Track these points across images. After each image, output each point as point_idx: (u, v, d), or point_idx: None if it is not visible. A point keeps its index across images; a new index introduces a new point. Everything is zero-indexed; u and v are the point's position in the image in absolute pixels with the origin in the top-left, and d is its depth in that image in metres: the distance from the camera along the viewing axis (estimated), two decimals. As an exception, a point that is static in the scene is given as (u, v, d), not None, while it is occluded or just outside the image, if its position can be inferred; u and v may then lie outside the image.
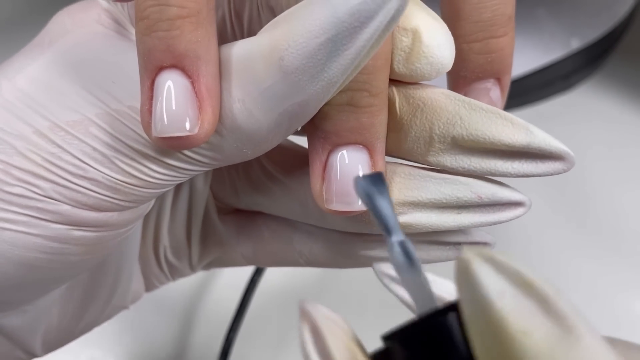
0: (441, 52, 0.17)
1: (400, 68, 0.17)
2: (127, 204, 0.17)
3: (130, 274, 0.22)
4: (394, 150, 0.18)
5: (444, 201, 0.18)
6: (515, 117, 0.17)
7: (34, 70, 0.17)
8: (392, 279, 0.19)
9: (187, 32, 0.14)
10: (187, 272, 0.24)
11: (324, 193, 0.17)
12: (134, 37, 0.17)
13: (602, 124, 0.40)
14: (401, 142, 0.18)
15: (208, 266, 0.24)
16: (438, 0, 0.19)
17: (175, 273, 0.24)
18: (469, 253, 0.11)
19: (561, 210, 0.38)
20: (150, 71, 0.15)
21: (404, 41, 0.17)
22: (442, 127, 0.17)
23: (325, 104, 0.16)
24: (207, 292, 0.36)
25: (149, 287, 0.24)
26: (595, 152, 0.39)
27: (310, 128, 0.17)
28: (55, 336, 0.21)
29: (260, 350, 0.34)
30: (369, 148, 0.17)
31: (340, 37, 0.14)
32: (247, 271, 0.34)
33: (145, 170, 0.16)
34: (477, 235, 0.20)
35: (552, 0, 0.40)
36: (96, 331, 0.35)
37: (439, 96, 0.17)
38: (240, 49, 0.15)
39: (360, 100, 0.16)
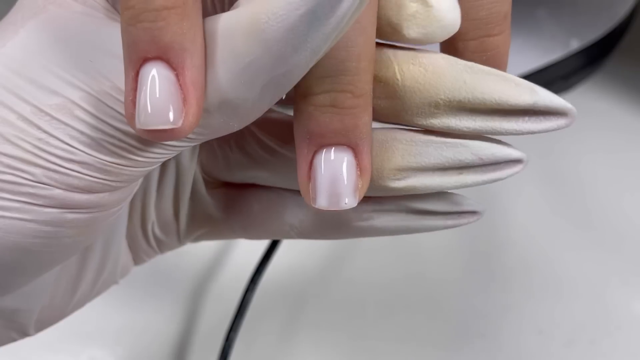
0: (452, 14, 0.18)
1: (410, 33, 0.18)
2: (117, 184, 0.17)
3: (119, 250, 0.23)
4: (394, 117, 0.18)
5: (446, 164, 0.18)
6: (519, 78, 0.17)
7: (9, 51, 0.16)
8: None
9: (173, 23, 0.14)
10: (176, 246, 0.24)
11: (310, 192, 0.18)
12: (111, 15, 0.17)
13: (602, 124, 0.40)
14: (403, 108, 0.18)
15: (197, 239, 0.24)
16: None
17: (163, 247, 0.24)
18: None
19: (561, 210, 0.38)
20: (135, 62, 0.15)
21: (413, 7, 0.17)
22: (447, 92, 0.17)
23: (310, 105, 0.17)
24: (207, 291, 0.36)
25: (137, 261, 0.24)
26: (595, 152, 0.39)
27: (296, 127, 0.18)
28: (47, 315, 0.21)
29: (260, 350, 0.34)
30: (353, 148, 0.17)
31: (320, 7, 0.14)
32: (247, 271, 0.34)
33: (134, 150, 0.16)
34: (466, 205, 0.20)
35: (552, 1, 0.40)
36: (96, 331, 0.35)
37: (439, 61, 0.18)
38: (220, 22, 0.15)
39: (343, 102, 0.17)
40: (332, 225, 0.21)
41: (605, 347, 0.33)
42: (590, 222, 0.37)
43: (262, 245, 0.34)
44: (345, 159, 0.17)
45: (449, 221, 0.20)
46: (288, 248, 0.35)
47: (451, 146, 0.18)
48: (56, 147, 0.16)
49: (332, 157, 0.17)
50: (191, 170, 0.23)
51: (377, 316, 0.34)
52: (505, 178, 0.19)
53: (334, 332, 0.34)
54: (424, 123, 0.18)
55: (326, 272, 0.36)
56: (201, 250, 0.37)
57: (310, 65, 0.15)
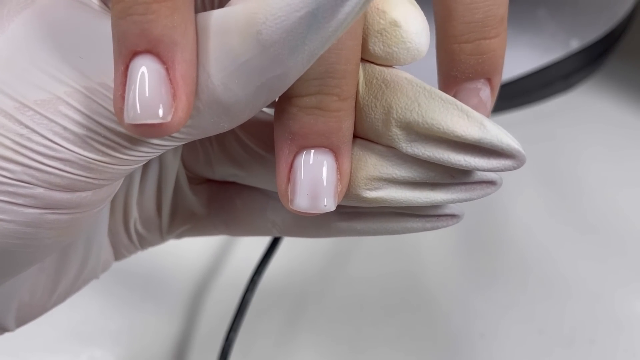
0: (419, 38, 0.17)
1: (375, 49, 0.17)
2: (101, 182, 0.16)
3: (101, 246, 0.22)
4: (355, 129, 0.18)
5: (418, 179, 0.18)
6: (473, 110, 0.17)
7: None
8: None
9: (163, 16, 0.14)
10: (158, 242, 0.24)
11: (289, 193, 0.18)
12: (103, 9, 0.17)
13: (601, 124, 0.40)
14: (361, 121, 0.18)
15: (179, 235, 0.24)
16: (430, 0, 0.19)
17: (145, 243, 0.24)
18: None
19: (560, 210, 0.38)
20: (125, 56, 0.14)
21: (381, 23, 0.17)
22: (399, 111, 0.17)
23: (294, 106, 0.17)
24: (207, 291, 0.36)
25: (118, 256, 0.24)
26: (594, 152, 0.39)
27: (278, 128, 0.17)
28: (27, 312, 0.21)
29: (260, 350, 0.34)
30: (335, 151, 0.17)
31: (321, 10, 0.13)
32: (247, 271, 0.34)
33: (120, 148, 0.16)
34: (447, 208, 0.20)
35: (552, 1, 0.40)
36: (96, 331, 0.35)
37: (401, 80, 0.17)
38: (213, 19, 0.15)
39: (329, 105, 0.16)
40: (312, 224, 0.21)
41: (605, 347, 0.33)
42: (590, 222, 0.37)
43: (262, 245, 0.34)
44: (326, 161, 0.17)
45: (428, 224, 0.20)
46: (288, 248, 0.35)
47: (423, 162, 0.18)
48: (38, 143, 0.15)
49: (314, 159, 0.17)
50: (174, 166, 0.22)
51: (376, 316, 0.34)
52: (476, 199, 0.19)
53: (334, 332, 0.34)
54: (378, 141, 0.18)
55: (326, 273, 0.36)
56: (201, 250, 0.37)
57: (307, 67, 0.15)
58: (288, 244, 0.35)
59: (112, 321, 0.35)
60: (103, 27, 0.16)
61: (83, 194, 0.16)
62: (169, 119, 0.14)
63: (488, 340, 0.33)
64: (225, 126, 0.16)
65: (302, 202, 0.17)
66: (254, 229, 0.23)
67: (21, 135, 0.15)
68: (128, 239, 0.23)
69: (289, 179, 0.17)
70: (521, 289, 0.35)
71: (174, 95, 0.14)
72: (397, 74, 0.18)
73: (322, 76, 0.16)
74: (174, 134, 0.16)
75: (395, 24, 0.17)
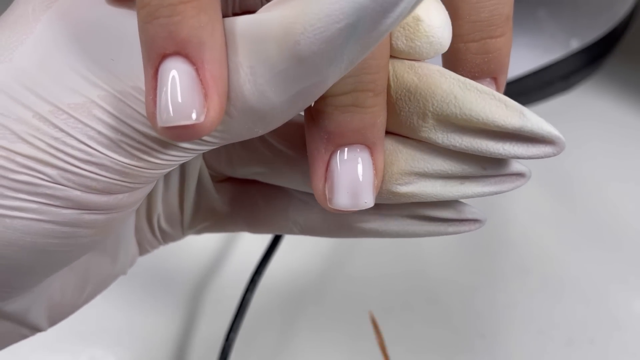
0: (442, 32, 0.17)
1: (399, 44, 0.17)
2: (136, 185, 0.16)
3: (128, 242, 0.23)
4: (387, 125, 0.18)
5: (450, 172, 0.18)
6: (510, 99, 0.17)
7: (26, 47, 0.16)
8: None
9: (189, 17, 0.14)
10: (179, 237, 0.24)
11: (326, 192, 0.17)
12: (128, 6, 0.16)
13: (601, 124, 0.40)
14: (394, 116, 0.18)
15: (199, 231, 0.24)
16: None
17: (167, 238, 0.24)
18: None
19: (561, 210, 0.38)
20: (154, 59, 0.14)
21: (407, 19, 0.17)
22: (436, 104, 0.17)
23: (329, 105, 0.16)
24: (207, 291, 0.36)
25: (142, 252, 0.24)
26: (595, 152, 0.39)
27: (312, 128, 0.17)
28: (59, 311, 0.21)
29: (260, 350, 0.34)
30: (370, 147, 0.17)
31: (362, 22, 0.13)
32: (247, 271, 0.34)
33: (154, 153, 0.16)
34: (469, 212, 0.20)
35: (552, 1, 0.40)
36: (96, 331, 0.35)
37: (434, 73, 0.17)
38: (249, 26, 0.14)
39: (365, 101, 0.16)
40: (335, 224, 0.21)
41: (605, 347, 0.33)
42: (590, 222, 0.37)
43: (262, 245, 0.34)
44: (363, 158, 0.17)
45: (450, 228, 0.20)
46: (288, 248, 0.35)
47: (455, 155, 0.18)
48: (73, 147, 0.15)
49: (352, 157, 0.17)
50: (197, 164, 0.22)
51: (376, 316, 0.34)
52: (507, 191, 0.19)
53: (334, 332, 0.34)
54: (412, 135, 0.18)
55: (326, 273, 0.36)
56: (201, 250, 0.37)
57: (344, 74, 0.15)
58: (288, 244, 0.35)
59: (112, 321, 0.35)
60: (132, 27, 0.15)
61: (119, 196, 0.16)
62: (202, 119, 0.14)
63: (488, 340, 0.33)
64: (259, 132, 0.16)
65: (342, 200, 0.17)
66: (275, 227, 0.23)
67: (56, 138, 0.15)
68: (152, 234, 0.24)
69: (325, 179, 0.17)
70: (521, 289, 0.35)
71: (206, 96, 0.14)
72: (428, 67, 0.18)
73: (356, 73, 0.16)
74: (207, 138, 0.16)
75: (418, 18, 0.17)
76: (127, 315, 0.35)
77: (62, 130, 0.15)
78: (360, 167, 0.17)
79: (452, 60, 0.19)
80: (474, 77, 0.19)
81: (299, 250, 0.36)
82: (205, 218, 0.23)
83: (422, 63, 0.18)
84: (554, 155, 0.17)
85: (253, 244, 0.35)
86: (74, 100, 0.15)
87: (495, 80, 0.20)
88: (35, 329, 0.21)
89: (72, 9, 0.16)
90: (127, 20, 0.16)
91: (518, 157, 0.17)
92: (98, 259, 0.22)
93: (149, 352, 0.34)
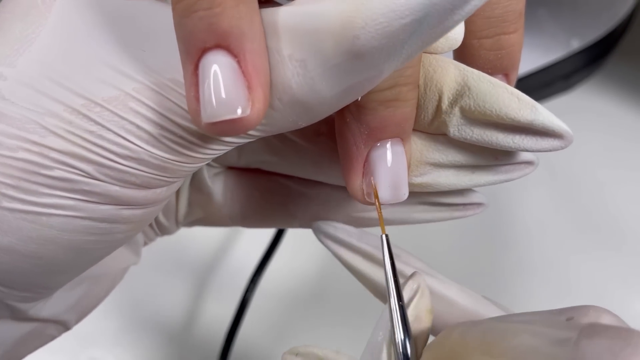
0: (458, 27, 0.17)
1: None
2: (175, 179, 0.16)
3: (141, 233, 0.23)
4: None
5: (464, 162, 0.18)
6: (522, 93, 0.17)
7: (44, 39, 0.15)
8: (331, 238, 0.19)
9: (229, 8, 0.13)
10: (174, 230, 0.24)
11: (364, 188, 0.18)
12: None
13: (602, 124, 0.40)
14: None
15: (192, 224, 0.24)
16: None
17: (163, 230, 0.24)
18: (285, 352, 0.15)
19: (561, 210, 0.38)
20: (193, 54, 0.14)
21: None
22: (450, 96, 0.17)
23: (372, 101, 0.16)
24: (207, 292, 0.36)
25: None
26: (595, 152, 0.39)
27: (350, 124, 0.17)
28: (85, 305, 0.21)
29: (260, 350, 0.34)
30: (404, 139, 0.17)
31: (429, 19, 0.13)
32: (247, 271, 0.34)
33: (194, 147, 0.15)
34: (473, 197, 0.20)
35: (552, 1, 0.40)
36: (96, 331, 0.35)
37: (448, 65, 0.17)
38: (296, 18, 0.14)
39: (407, 94, 0.16)
40: (337, 216, 0.21)
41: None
42: (590, 222, 0.37)
43: (262, 245, 0.34)
44: (401, 151, 0.17)
45: (456, 212, 0.21)
46: (288, 248, 0.35)
47: (468, 146, 0.18)
48: (110, 141, 0.15)
49: (393, 150, 0.17)
50: None
51: (377, 316, 0.34)
52: (516, 179, 0.19)
53: (334, 332, 0.34)
54: (425, 127, 0.18)
55: (326, 272, 0.36)
56: (201, 250, 0.37)
57: (400, 68, 0.14)
58: (288, 244, 0.35)
59: (112, 321, 0.35)
60: (160, 16, 0.15)
61: (157, 190, 0.16)
62: (248, 112, 0.14)
63: (488, 341, 0.33)
64: (302, 124, 0.15)
65: (385, 194, 0.17)
66: (272, 221, 0.23)
67: (91, 132, 0.15)
68: (149, 226, 0.23)
69: (364, 174, 0.17)
70: (521, 289, 0.35)
71: (250, 88, 0.14)
72: (442, 59, 0.18)
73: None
74: (250, 132, 0.15)
75: None
76: (127, 316, 0.35)
77: (97, 124, 0.15)
78: (400, 160, 0.17)
79: (465, 56, 0.19)
80: (486, 73, 0.19)
81: (299, 250, 0.36)
82: (200, 210, 0.23)
83: (436, 55, 0.18)
84: (562, 148, 0.18)
85: (253, 244, 0.35)
86: (108, 93, 0.15)
87: (506, 76, 0.20)
88: (63, 327, 0.20)
89: None
90: (151, 9, 0.15)
91: (527, 150, 0.18)
92: (122, 250, 0.21)
93: (149, 352, 0.34)
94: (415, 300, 0.17)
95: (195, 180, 0.23)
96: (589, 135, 0.40)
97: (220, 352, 0.32)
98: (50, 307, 0.19)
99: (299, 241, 0.36)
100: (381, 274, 0.19)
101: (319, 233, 0.20)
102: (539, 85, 0.40)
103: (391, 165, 0.17)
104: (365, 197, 0.18)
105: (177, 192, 0.23)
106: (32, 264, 0.16)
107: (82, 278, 0.20)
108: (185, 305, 0.35)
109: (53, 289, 0.18)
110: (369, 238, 0.20)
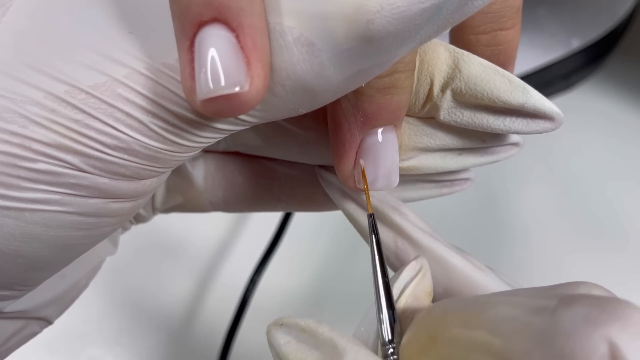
0: None
1: None
2: (166, 169, 0.15)
3: None
4: None
5: (451, 146, 0.18)
6: (513, 75, 0.17)
7: (19, 21, 0.14)
8: (335, 188, 0.19)
9: None
10: (150, 217, 0.23)
11: (355, 175, 0.17)
12: None
13: (602, 123, 0.40)
14: None
15: (169, 211, 0.23)
16: None
17: (138, 218, 0.23)
18: (270, 324, 0.15)
19: (560, 209, 0.38)
20: (189, 30, 0.13)
21: None
22: (442, 80, 0.17)
23: (371, 88, 0.16)
24: (207, 292, 0.36)
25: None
26: (595, 151, 0.39)
27: (346, 110, 0.17)
28: (65, 297, 0.20)
29: (260, 350, 0.34)
30: (397, 126, 0.17)
31: (448, 4, 0.12)
32: (247, 271, 0.34)
33: (187, 135, 0.14)
34: (460, 173, 0.20)
35: (552, 0, 0.40)
36: (96, 331, 0.35)
37: (438, 47, 0.17)
38: (306, 2, 0.13)
39: (404, 82, 0.16)
40: (325, 197, 0.20)
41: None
42: (590, 221, 0.37)
43: (262, 245, 0.34)
44: (392, 137, 0.17)
45: (445, 189, 0.21)
46: (288, 248, 0.35)
47: (456, 129, 0.18)
48: (98, 130, 0.14)
49: (386, 138, 0.17)
50: None
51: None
52: (502, 160, 0.19)
53: (334, 332, 0.34)
54: (415, 111, 0.18)
55: (326, 273, 0.36)
56: (201, 250, 0.37)
57: (409, 52, 0.14)
58: (288, 244, 0.35)
59: (112, 321, 0.35)
60: None
61: (147, 182, 0.15)
62: (246, 88, 0.13)
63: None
64: (302, 111, 0.15)
65: (378, 181, 0.17)
66: (256, 205, 0.22)
67: (77, 121, 0.14)
68: None
69: (356, 161, 0.17)
70: (509, 276, 0.35)
71: (249, 64, 0.13)
72: (436, 42, 0.17)
73: None
74: (245, 117, 0.14)
75: None
76: (126, 315, 0.35)
77: (83, 112, 0.14)
78: (392, 147, 0.17)
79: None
80: None
81: (299, 250, 0.36)
82: (178, 196, 0.22)
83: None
84: (552, 130, 0.17)
85: (253, 244, 0.35)
86: (94, 79, 0.14)
87: None
88: (45, 322, 0.20)
89: None
90: None
91: (518, 132, 0.17)
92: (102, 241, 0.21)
93: (149, 352, 0.34)
94: (416, 280, 0.17)
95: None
96: (589, 135, 0.40)
97: (220, 352, 0.32)
98: (30, 303, 0.18)
99: (299, 241, 0.36)
100: (381, 231, 0.18)
101: (323, 180, 0.20)
102: (538, 84, 0.40)
103: (384, 152, 0.17)
104: (356, 183, 0.17)
105: None
106: (14, 262, 0.15)
107: (64, 272, 0.20)
108: (186, 305, 0.35)
109: (33, 286, 0.17)
110: (377, 192, 0.19)
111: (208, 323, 0.35)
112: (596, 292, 0.13)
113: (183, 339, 0.34)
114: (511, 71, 0.20)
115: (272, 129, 0.20)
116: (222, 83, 0.13)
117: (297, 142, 0.20)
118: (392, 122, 0.17)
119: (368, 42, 0.13)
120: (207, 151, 0.22)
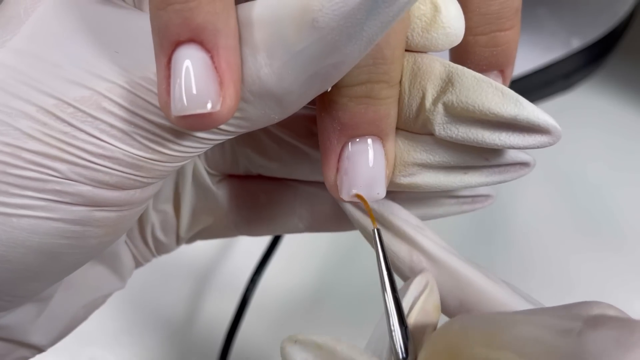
0: (458, 22, 0.17)
1: (415, 37, 0.17)
2: (150, 180, 0.16)
3: (123, 254, 0.22)
4: None
5: (453, 163, 0.18)
6: (507, 88, 0.17)
7: (17, 43, 0.15)
8: (349, 203, 0.19)
9: (205, 3, 0.13)
10: (173, 247, 0.24)
11: (338, 184, 0.17)
12: (123, 4, 0.16)
13: (602, 123, 0.40)
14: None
15: (194, 238, 0.23)
16: None
17: (161, 249, 0.23)
18: (284, 340, 0.15)
19: (561, 209, 0.38)
20: (167, 47, 0.14)
21: (422, 9, 0.17)
22: (434, 93, 0.17)
23: (344, 96, 0.16)
24: (207, 291, 0.36)
25: (135, 265, 0.24)
26: (595, 151, 0.39)
27: (325, 119, 0.17)
28: (60, 326, 0.20)
29: (260, 350, 0.34)
30: (382, 138, 0.17)
31: None
32: (247, 271, 0.34)
33: (169, 144, 0.15)
34: (481, 190, 0.20)
35: (552, 0, 0.40)
36: (96, 331, 0.35)
37: (434, 63, 0.17)
38: (262, 9, 0.14)
39: (379, 92, 0.16)
40: (344, 215, 0.21)
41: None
42: (590, 222, 0.37)
43: (262, 245, 0.34)
44: (377, 149, 0.17)
45: (465, 206, 0.20)
46: (288, 248, 0.35)
47: (456, 146, 0.18)
48: (84, 141, 0.15)
49: (365, 149, 0.17)
50: (191, 163, 0.22)
51: (377, 316, 0.34)
52: (510, 180, 0.19)
53: (334, 332, 0.34)
54: (410, 126, 0.18)
55: (326, 272, 0.36)
56: (201, 251, 0.37)
57: (364, 54, 0.14)
58: (288, 244, 0.35)
59: (112, 321, 0.35)
60: (135, 21, 0.15)
61: (132, 192, 0.16)
62: (218, 107, 0.14)
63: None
64: (276, 118, 0.15)
65: (358, 191, 0.17)
66: (279, 225, 0.22)
67: (65, 132, 0.15)
68: (144, 245, 0.23)
69: (337, 170, 0.17)
70: (521, 289, 0.35)
71: (221, 84, 0.14)
72: (427, 56, 0.17)
73: (372, 62, 0.16)
74: (223, 127, 0.15)
75: (436, 9, 0.17)
76: (127, 315, 0.35)
77: (70, 124, 0.15)
78: (373, 159, 0.17)
79: (460, 53, 0.19)
80: (481, 70, 0.19)
81: (299, 251, 0.36)
82: (202, 221, 0.23)
83: (423, 54, 0.18)
84: (550, 144, 0.17)
85: (253, 244, 0.35)
86: (80, 94, 0.15)
87: (502, 73, 0.19)
88: (35, 349, 0.20)
89: (65, 6, 0.16)
90: (126, 15, 0.16)
91: (514, 147, 0.17)
92: (97, 268, 0.21)
93: (149, 352, 0.34)
94: (424, 294, 0.17)
95: (199, 188, 0.22)
96: (589, 135, 0.40)
97: (220, 352, 0.32)
98: (19, 321, 0.19)
99: (299, 242, 0.36)
100: (396, 244, 0.18)
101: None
102: (539, 84, 0.40)
103: (365, 163, 0.17)
104: (339, 194, 0.17)
105: (177, 206, 0.23)
106: (1, 268, 0.15)
107: (54, 293, 0.20)
108: (186, 305, 0.35)
109: (21, 297, 0.17)
110: (391, 207, 0.19)
111: (208, 323, 0.35)
112: (611, 312, 0.13)
113: (183, 339, 0.34)
114: (510, 72, 0.20)
115: (285, 149, 0.21)
116: (195, 102, 0.14)
117: (309, 161, 0.20)
118: (374, 133, 0.17)
119: (316, 40, 0.13)
120: (230, 175, 0.23)
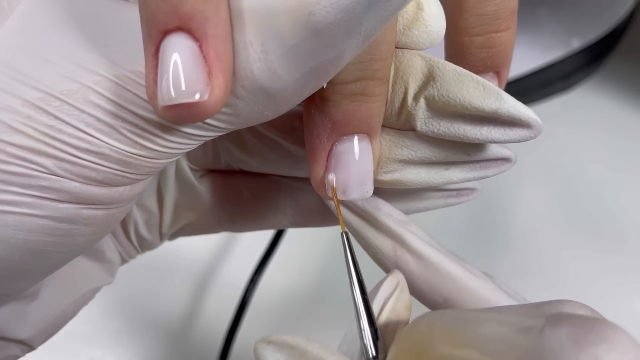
0: (439, 22, 0.17)
1: (397, 35, 0.17)
2: (138, 176, 0.16)
3: (110, 249, 0.22)
4: None
5: (434, 159, 0.18)
6: (488, 82, 0.17)
7: (2, 36, 0.15)
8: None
9: None
10: (157, 244, 0.23)
11: (326, 183, 0.17)
12: None
13: (602, 123, 0.40)
14: None
15: (177, 234, 0.23)
16: None
17: (144, 246, 0.23)
18: (258, 341, 0.15)
19: (560, 209, 0.38)
20: (155, 36, 0.13)
21: (407, 7, 0.17)
22: (416, 88, 0.17)
23: (337, 94, 0.16)
24: (207, 292, 0.36)
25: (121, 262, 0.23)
26: (594, 151, 0.39)
27: (315, 116, 0.17)
28: (49, 323, 0.20)
29: (260, 350, 0.34)
30: (370, 136, 0.17)
31: None
32: (247, 271, 0.34)
33: (157, 140, 0.15)
34: (467, 183, 0.20)
35: (552, 0, 0.40)
36: (96, 331, 0.35)
37: (414, 57, 0.17)
38: (257, 1, 0.14)
39: (373, 89, 0.16)
40: (329, 209, 0.20)
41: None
42: (590, 222, 0.37)
43: (262, 245, 0.34)
44: (366, 147, 0.17)
45: (450, 199, 0.20)
46: (288, 248, 0.35)
47: (438, 141, 0.18)
48: (70, 135, 0.14)
49: (356, 147, 0.17)
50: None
51: (377, 316, 0.34)
52: (492, 176, 0.18)
53: (334, 332, 0.34)
54: (392, 122, 0.18)
55: (326, 272, 0.36)
56: (201, 250, 0.37)
57: (361, 50, 0.14)
58: (288, 244, 0.35)
59: (112, 321, 0.35)
60: (125, 14, 0.15)
61: (120, 189, 0.16)
62: (205, 97, 0.13)
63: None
64: (269, 115, 0.15)
65: (348, 190, 0.17)
66: (263, 221, 0.22)
67: (50, 126, 0.14)
68: (129, 242, 0.23)
69: (327, 168, 0.17)
70: (521, 289, 0.35)
71: (210, 74, 0.13)
72: (408, 51, 0.17)
73: (365, 59, 0.15)
74: (214, 123, 0.15)
75: (419, 7, 0.17)
76: (127, 315, 0.35)
77: (56, 118, 0.14)
78: (363, 157, 0.17)
79: (456, 53, 0.19)
80: (477, 71, 0.19)
81: (299, 250, 0.36)
82: (185, 217, 0.22)
83: (405, 50, 0.18)
84: (531, 138, 0.17)
85: (253, 244, 0.35)
86: (67, 87, 0.14)
87: (497, 74, 0.19)
88: (25, 346, 0.20)
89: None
90: (117, 8, 0.15)
91: (496, 142, 0.17)
92: (84, 263, 0.21)
93: (149, 352, 0.34)
94: (395, 295, 0.17)
95: (181, 183, 0.22)
96: (589, 135, 0.40)
97: (220, 352, 0.32)
98: (7, 318, 0.18)
99: (299, 241, 0.36)
100: (380, 239, 0.18)
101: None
102: (538, 84, 0.40)
103: (355, 161, 0.17)
104: (327, 192, 0.17)
105: (160, 202, 0.22)
106: None
107: (42, 290, 0.19)
108: (185, 305, 0.35)
109: (6, 296, 0.17)
110: (375, 202, 0.19)
111: (208, 323, 0.35)
112: (581, 311, 0.13)
113: (183, 339, 0.34)
114: (506, 74, 0.20)
115: (265, 144, 0.21)
116: (182, 93, 0.13)
117: (289, 155, 0.20)
118: (364, 130, 0.17)
119: (313, 35, 0.13)
120: (212, 170, 0.22)
